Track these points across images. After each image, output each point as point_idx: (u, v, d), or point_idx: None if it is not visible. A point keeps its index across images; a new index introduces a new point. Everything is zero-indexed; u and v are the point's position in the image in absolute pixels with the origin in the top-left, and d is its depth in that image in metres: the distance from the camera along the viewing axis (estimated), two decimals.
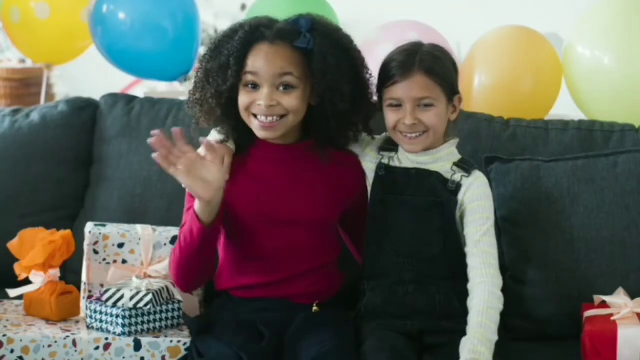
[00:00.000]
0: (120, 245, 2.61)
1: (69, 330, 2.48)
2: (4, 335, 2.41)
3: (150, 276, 2.58)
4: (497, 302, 2.39)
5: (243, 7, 5.89)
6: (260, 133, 2.45)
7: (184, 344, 2.45)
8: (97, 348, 2.43)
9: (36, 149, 2.98)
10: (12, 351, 2.41)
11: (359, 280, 2.53)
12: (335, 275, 2.56)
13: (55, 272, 2.57)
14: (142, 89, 5.44)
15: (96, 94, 3.13)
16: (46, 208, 2.96)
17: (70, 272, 2.73)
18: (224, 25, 5.45)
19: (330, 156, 2.51)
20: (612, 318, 2.44)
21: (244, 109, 2.44)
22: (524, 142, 2.86)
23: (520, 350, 2.55)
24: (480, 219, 2.45)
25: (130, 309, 2.45)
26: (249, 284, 2.50)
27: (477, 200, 2.46)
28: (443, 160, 2.49)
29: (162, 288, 2.51)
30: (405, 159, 2.51)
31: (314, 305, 2.49)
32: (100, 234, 2.61)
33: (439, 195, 2.45)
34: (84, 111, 3.05)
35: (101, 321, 2.47)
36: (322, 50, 2.42)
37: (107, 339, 2.44)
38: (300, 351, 2.35)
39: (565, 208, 2.67)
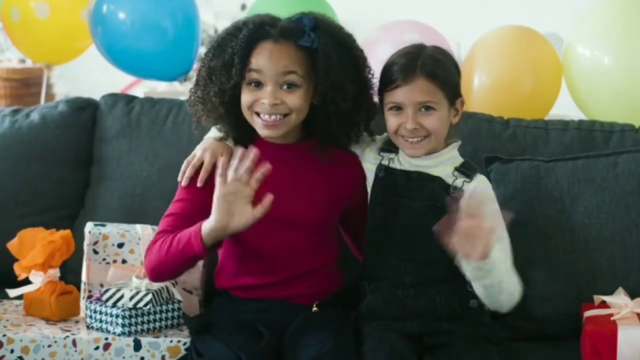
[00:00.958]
0: (120, 245, 2.61)
1: (68, 330, 2.48)
2: (4, 335, 2.41)
3: None
4: (514, 286, 2.38)
5: (243, 7, 5.89)
6: (263, 132, 2.44)
7: (184, 344, 2.45)
8: (97, 348, 2.43)
9: (36, 149, 2.98)
10: (12, 351, 2.41)
11: (360, 280, 2.53)
12: (335, 276, 2.56)
13: (55, 272, 2.57)
14: (142, 89, 5.44)
15: (96, 94, 3.13)
16: (46, 208, 2.96)
17: (70, 272, 2.72)
18: (224, 25, 5.43)
19: (330, 156, 2.51)
20: (612, 318, 2.44)
21: (247, 107, 2.44)
22: (524, 142, 2.86)
23: (520, 350, 2.55)
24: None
25: (130, 309, 2.45)
26: (249, 284, 2.50)
27: (481, 205, 2.43)
28: (445, 163, 2.48)
29: (162, 288, 2.51)
30: (405, 161, 2.50)
31: (314, 305, 2.49)
32: (100, 233, 2.61)
33: (439, 200, 2.44)
34: (84, 111, 3.05)
35: (101, 321, 2.47)
36: (325, 49, 2.42)
37: (107, 339, 2.44)
38: (300, 351, 2.35)
39: (565, 208, 2.67)
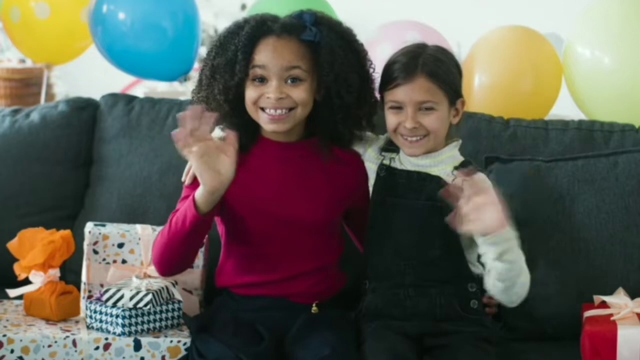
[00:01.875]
0: (120, 245, 2.61)
1: (69, 330, 2.48)
2: (4, 336, 2.41)
3: (150, 276, 2.58)
4: (526, 274, 2.38)
5: (243, 7, 5.90)
6: (269, 126, 2.44)
7: (184, 344, 2.45)
8: (97, 348, 2.43)
9: (36, 149, 2.98)
10: (12, 351, 2.41)
11: (361, 279, 2.52)
12: (336, 277, 2.55)
13: (55, 272, 2.57)
14: (142, 89, 5.44)
15: (96, 94, 3.13)
16: (46, 208, 2.96)
17: (70, 272, 2.73)
18: (224, 25, 5.44)
19: (332, 155, 2.50)
20: (612, 318, 2.44)
21: (252, 103, 2.44)
22: (524, 142, 2.86)
23: (520, 350, 2.56)
24: None
25: (130, 309, 2.45)
26: (250, 282, 2.50)
27: None
28: (445, 163, 2.48)
29: (162, 288, 2.51)
30: (406, 161, 2.50)
31: (313, 305, 2.49)
32: (100, 233, 2.61)
33: (439, 200, 2.44)
34: (84, 111, 3.05)
35: (101, 321, 2.47)
36: (329, 42, 2.42)
37: (107, 339, 2.44)
38: (301, 353, 2.35)
39: (565, 208, 2.67)
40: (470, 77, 3.11)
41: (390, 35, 3.13)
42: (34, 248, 2.57)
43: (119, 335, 2.44)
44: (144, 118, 3.00)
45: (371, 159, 2.55)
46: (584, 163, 2.72)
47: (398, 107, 2.45)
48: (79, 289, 2.62)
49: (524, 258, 2.37)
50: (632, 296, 2.53)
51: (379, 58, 2.53)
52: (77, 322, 2.55)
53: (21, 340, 2.42)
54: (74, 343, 2.43)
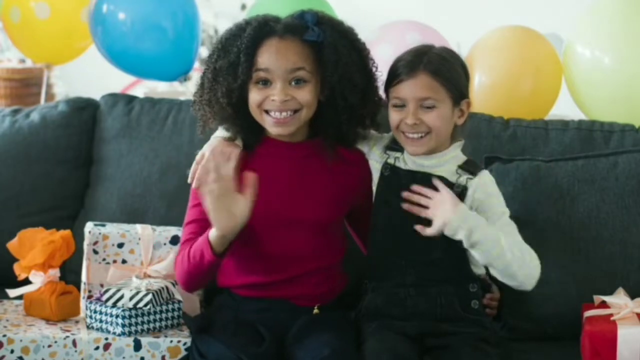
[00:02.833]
0: (120, 245, 2.61)
1: (68, 331, 2.48)
2: (4, 336, 2.41)
3: (150, 276, 2.58)
4: (528, 252, 2.41)
5: (243, 7, 5.90)
6: (273, 129, 2.44)
7: (184, 344, 2.45)
8: (97, 348, 2.43)
9: (36, 149, 2.98)
10: (12, 351, 2.41)
11: (362, 279, 2.52)
12: (338, 277, 2.55)
13: (55, 272, 2.57)
14: (142, 89, 5.44)
15: (96, 94, 3.13)
16: (46, 208, 2.96)
17: (70, 272, 2.73)
18: (224, 25, 5.45)
19: (337, 154, 2.50)
20: (612, 318, 2.44)
21: (257, 106, 2.43)
22: (524, 142, 2.86)
23: (520, 350, 2.55)
24: (494, 215, 2.44)
25: (130, 309, 2.45)
26: (252, 283, 2.49)
27: (489, 197, 2.45)
28: (448, 163, 2.48)
29: (162, 288, 2.51)
30: (410, 161, 2.50)
31: (315, 307, 2.49)
32: (100, 233, 2.61)
33: None
34: (84, 111, 3.05)
35: (101, 321, 2.47)
36: (332, 42, 2.42)
37: (107, 339, 2.44)
38: (301, 353, 2.35)
39: (565, 208, 2.67)
40: (470, 77, 3.11)
41: (390, 36, 3.13)
42: (34, 248, 2.57)
43: (119, 335, 2.44)
44: (144, 118, 3.00)
45: (376, 158, 2.55)
46: (584, 163, 2.72)
47: (401, 105, 2.45)
48: (79, 289, 2.62)
49: (502, 236, 2.37)
50: (632, 296, 2.52)
51: (379, 58, 2.53)
52: (77, 322, 2.55)
53: (21, 341, 2.42)
54: (74, 343, 2.43)
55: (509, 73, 3.10)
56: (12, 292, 2.60)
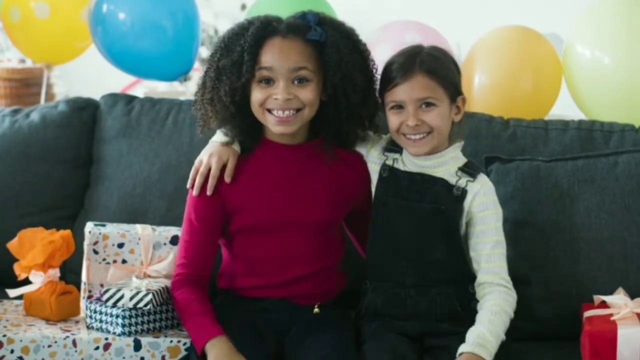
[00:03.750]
0: (120, 245, 2.61)
1: (69, 331, 2.48)
2: (4, 336, 2.41)
3: (150, 276, 2.58)
4: (509, 308, 2.40)
5: (243, 7, 5.90)
6: (276, 128, 2.44)
7: (184, 344, 2.45)
8: (97, 348, 2.43)
9: (36, 149, 2.98)
10: (12, 351, 2.41)
11: (361, 279, 2.52)
12: (338, 277, 2.55)
13: (55, 272, 2.57)
14: (142, 89, 5.44)
15: (96, 94, 3.13)
16: (46, 208, 2.96)
17: (70, 272, 2.73)
18: (224, 25, 5.45)
19: (336, 156, 2.50)
20: (612, 318, 2.44)
21: (259, 105, 2.43)
22: (524, 142, 2.86)
23: (520, 351, 2.55)
24: (489, 229, 2.44)
25: (130, 309, 2.45)
26: (252, 285, 2.49)
27: (484, 210, 2.44)
28: (448, 163, 2.48)
29: (162, 288, 2.51)
30: (409, 162, 2.50)
31: (315, 307, 2.49)
32: (100, 233, 2.61)
33: (443, 203, 2.44)
34: (84, 111, 3.05)
35: (101, 321, 2.47)
36: (335, 41, 2.43)
37: (107, 339, 2.44)
38: (302, 354, 2.35)
39: (565, 208, 2.67)
40: (470, 77, 3.11)
41: (390, 36, 3.13)
42: (34, 248, 2.57)
43: (119, 335, 2.44)
44: (144, 118, 3.00)
45: (374, 160, 2.54)
46: (584, 163, 2.72)
47: (399, 107, 2.45)
48: (79, 289, 2.62)
49: (499, 328, 2.38)
50: (632, 296, 2.52)
51: (379, 58, 2.54)
52: (77, 322, 2.55)
53: (21, 341, 2.42)
54: (74, 343, 2.43)
55: (509, 73, 3.10)
56: (12, 292, 2.60)
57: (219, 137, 2.51)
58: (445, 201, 2.44)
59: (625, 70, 2.98)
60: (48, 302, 2.54)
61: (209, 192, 2.44)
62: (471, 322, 2.41)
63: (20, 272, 2.59)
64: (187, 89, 5.26)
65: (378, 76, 2.50)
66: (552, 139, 2.85)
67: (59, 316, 2.54)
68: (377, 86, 2.50)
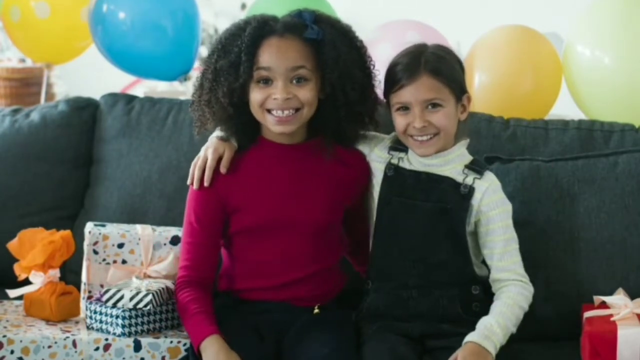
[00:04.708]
0: (120, 246, 2.61)
1: (69, 331, 2.48)
2: (4, 336, 2.41)
3: (150, 276, 2.58)
4: (523, 301, 2.43)
5: (243, 6, 5.89)
6: (276, 128, 2.43)
7: (184, 344, 2.45)
8: (97, 349, 2.43)
9: (36, 149, 2.98)
10: (12, 352, 2.41)
11: (364, 279, 2.52)
12: (337, 278, 2.55)
13: (55, 273, 2.57)
14: (142, 88, 5.44)
15: (96, 94, 3.13)
16: (46, 208, 2.96)
17: (70, 272, 2.73)
18: (224, 24, 5.44)
19: (335, 154, 2.50)
20: (612, 319, 2.44)
21: (259, 105, 2.43)
22: (524, 142, 2.85)
23: (520, 350, 2.55)
24: (500, 227, 2.45)
25: (130, 310, 2.45)
26: (252, 287, 2.49)
27: (494, 209, 2.45)
28: (454, 162, 2.48)
29: (162, 288, 2.51)
30: (415, 160, 2.49)
31: (315, 307, 2.49)
32: (100, 234, 2.61)
33: (449, 202, 2.44)
34: (84, 111, 3.05)
35: (101, 322, 2.47)
36: (332, 39, 2.43)
37: (107, 339, 2.44)
38: (301, 353, 2.35)
39: (565, 208, 2.67)
40: (470, 76, 3.11)
41: (390, 35, 3.13)
42: (34, 248, 2.57)
43: (119, 335, 2.44)
44: (144, 118, 3.00)
45: (378, 159, 2.53)
46: (584, 163, 2.72)
47: (405, 109, 2.45)
48: (79, 289, 2.62)
49: (508, 321, 2.41)
50: (632, 296, 2.52)
51: (379, 58, 2.53)
52: (77, 322, 2.55)
53: (21, 341, 2.42)
54: (74, 344, 2.43)
55: (509, 73, 3.10)
56: (12, 293, 2.60)
57: (216, 132, 2.51)
58: (451, 200, 2.44)
59: (625, 70, 2.98)
60: (48, 302, 2.54)
61: (206, 183, 2.44)
62: (473, 324, 2.41)
63: (20, 273, 2.59)
64: (187, 89, 5.26)
65: (376, 72, 2.49)
66: (552, 138, 2.85)
67: (59, 317, 2.54)
68: (376, 82, 2.49)
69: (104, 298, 2.48)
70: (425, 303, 2.44)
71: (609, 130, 2.86)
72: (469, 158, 2.50)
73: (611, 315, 2.46)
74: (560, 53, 3.16)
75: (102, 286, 2.59)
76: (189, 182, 2.48)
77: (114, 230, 2.64)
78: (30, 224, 2.68)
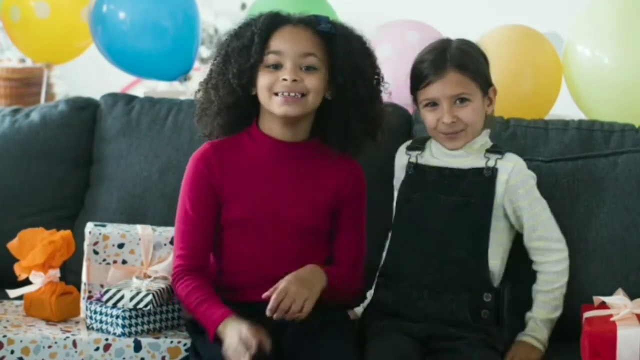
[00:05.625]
0: (120, 246, 2.61)
1: (69, 331, 2.48)
2: (4, 336, 2.41)
3: (150, 276, 2.58)
4: (561, 278, 2.52)
5: (243, 6, 5.89)
6: (281, 109, 2.43)
7: (184, 344, 2.45)
8: (97, 349, 2.43)
9: (36, 149, 2.98)
10: (12, 352, 2.41)
11: (378, 276, 2.52)
12: None
13: (55, 273, 2.57)
14: (142, 88, 5.44)
15: (96, 94, 3.13)
16: (46, 208, 2.96)
17: (70, 272, 2.73)
18: (224, 24, 5.45)
19: (333, 158, 2.49)
20: (612, 319, 2.44)
21: (267, 89, 2.44)
22: (524, 142, 2.85)
23: None
24: (528, 205, 2.49)
25: (130, 310, 2.45)
26: (240, 285, 2.48)
27: (523, 187, 2.50)
28: (478, 151, 2.51)
29: (162, 288, 2.51)
30: (439, 153, 2.52)
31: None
32: (100, 234, 2.61)
33: (473, 196, 2.45)
34: (84, 111, 3.05)
35: (101, 322, 2.47)
36: (345, 34, 2.46)
37: (107, 339, 2.44)
38: (300, 354, 2.34)
39: (565, 208, 2.67)
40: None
41: (390, 35, 3.13)
42: (34, 248, 2.57)
43: (119, 336, 2.44)
44: (144, 118, 3.00)
45: (399, 160, 2.58)
46: (584, 163, 2.72)
47: (433, 104, 2.47)
48: (79, 289, 2.62)
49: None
50: (632, 297, 2.52)
51: (379, 57, 2.53)
52: (77, 322, 2.55)
53: (21, 341, 2.42)
54: (74, 344, 2.43)
55: (509, 73, 3.10)
56: (12, 293, 2.60)
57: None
58: (476, 193, 2.45)
59: (625, 70, 2.98)
60: (48, 302, 2.54)
61: None
62: (480, 330, 2.41)
63: (20, 273, 2.59)
64: (187, 89, 5.25)
65: (385, 84, 2.50)
66: (552, 138, 2.85)
67: (59, 317, 2.54)
68: (382, 87, 2.50)
69: (104, 298, 2.48)
70: (434, 305, 2.44)
71: (609, 130, 2.86)
72: (489, 144, 2.54)
73: (611, 316, 2.45)
74: (560, 53, 3.17)
75: (102, 286, 2.59)
76: None
77: (114, 230, 2.64)
78: (30, 224, 2.68)
